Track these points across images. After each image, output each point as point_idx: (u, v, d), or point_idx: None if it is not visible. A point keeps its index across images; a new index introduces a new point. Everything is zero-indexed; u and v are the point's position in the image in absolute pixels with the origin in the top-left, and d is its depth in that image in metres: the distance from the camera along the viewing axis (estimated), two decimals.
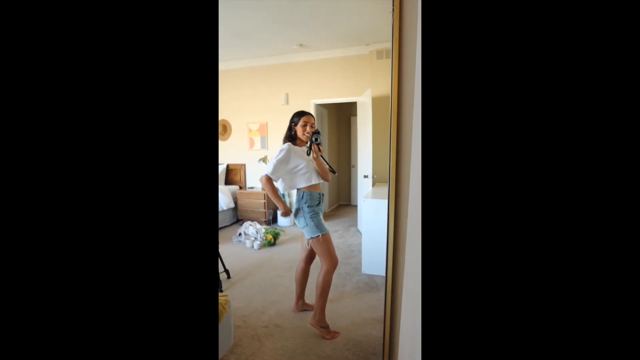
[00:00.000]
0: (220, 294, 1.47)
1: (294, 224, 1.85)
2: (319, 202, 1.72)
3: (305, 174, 1.69)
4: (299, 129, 1.72)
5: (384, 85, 3.48)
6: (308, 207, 1.67)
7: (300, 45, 3.70)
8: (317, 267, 1.76)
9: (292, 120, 1.76)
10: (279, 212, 3.98)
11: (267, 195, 4.01)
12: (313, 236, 1.66)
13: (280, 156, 1.66)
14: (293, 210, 1.74)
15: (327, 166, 1.78)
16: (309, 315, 1.83)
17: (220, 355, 1.41)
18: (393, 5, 0.88)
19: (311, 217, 1.66)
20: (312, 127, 1.72)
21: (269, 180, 1.66)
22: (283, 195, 4.10)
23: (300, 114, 1.74)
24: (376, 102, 3.35)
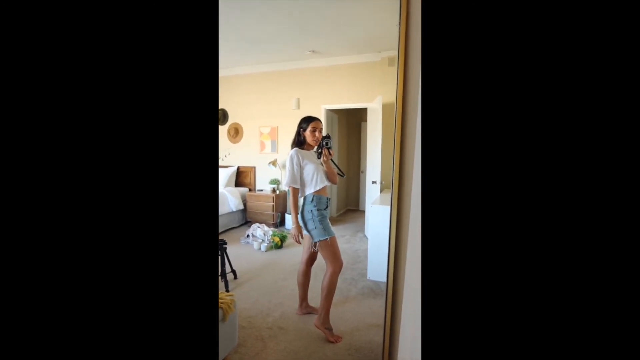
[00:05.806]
0: (226, 293, 1.50)
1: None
2: (327, 206, 1.75)
3: (313, 179, 1.71)
4: (308, 135, 1.75)
5: (395, 92, 3.49)
6: (317, 210, 1.70)
7: (313, 51, 3.76)
8: (320, 270, 1.77)
9: (300, 126, 1.79)
10: (287, 216, 4.02)
11: (275, 198, 4.06)
12: (321, 239, 1.67)
13: (292, 163, 1.72)
14: (299, 216, 1.76)
15: (336, 169, 1.82)
16: (313, 318, 1.85)
17: (225, 354, 1.43)
18: (400, 19, 0.91)
19: (320, 221, 1.68)
20: (320, 132, 1.75)
21: (295, 192, 1.73)
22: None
23: (308, 120, 1.77)
24: (386, 108, 3.36)
